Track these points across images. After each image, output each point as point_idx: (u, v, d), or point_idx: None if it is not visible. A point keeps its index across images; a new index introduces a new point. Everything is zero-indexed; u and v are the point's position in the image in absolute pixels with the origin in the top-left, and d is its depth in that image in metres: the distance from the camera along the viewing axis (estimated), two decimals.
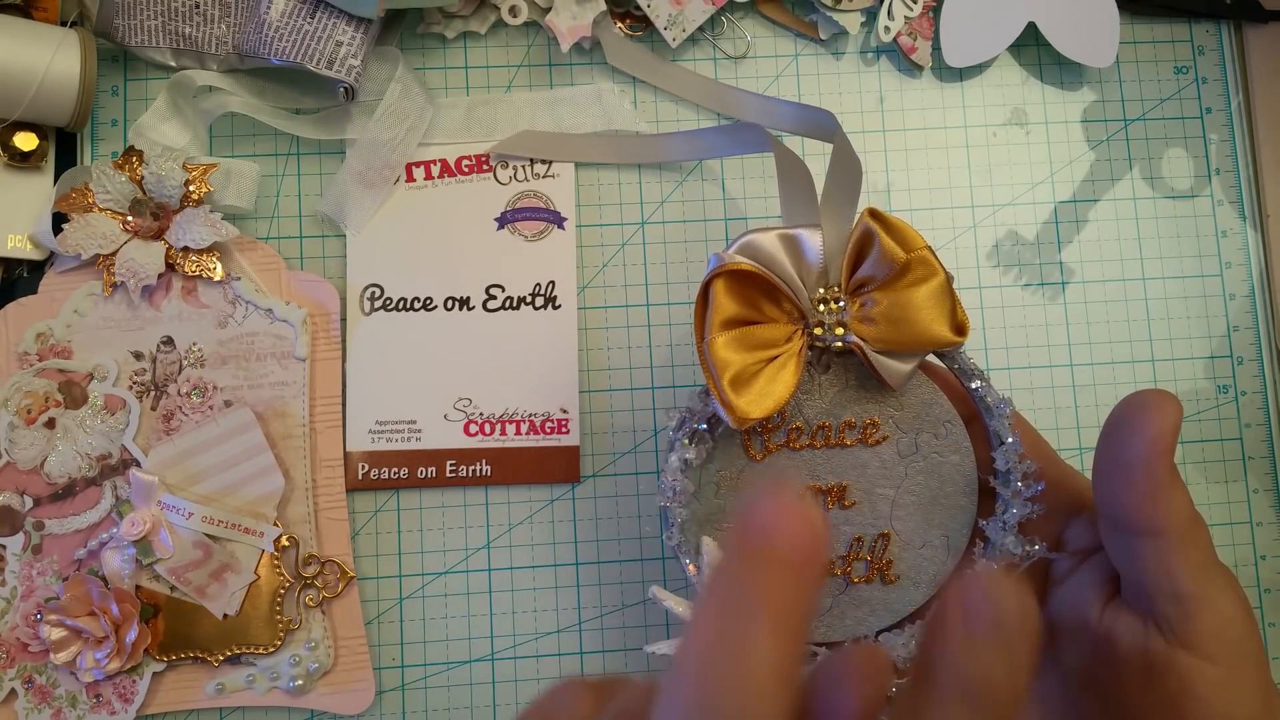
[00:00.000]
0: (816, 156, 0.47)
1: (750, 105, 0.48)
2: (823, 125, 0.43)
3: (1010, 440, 0.35)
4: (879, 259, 0.34)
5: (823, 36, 0.50)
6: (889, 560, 0.37)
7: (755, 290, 0.35)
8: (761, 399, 0.34)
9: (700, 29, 0.49)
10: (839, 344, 0.35)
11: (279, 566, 0.45)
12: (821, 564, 0.20)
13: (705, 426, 0.36)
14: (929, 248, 0.35)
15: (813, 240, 0.35)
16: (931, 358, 0.37)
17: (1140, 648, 0.29)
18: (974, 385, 0.36)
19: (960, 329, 0.35)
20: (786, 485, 0.20)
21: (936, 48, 0.49)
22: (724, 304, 0.34)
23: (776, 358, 0.35)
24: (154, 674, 0.44)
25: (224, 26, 0.46)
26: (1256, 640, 0.29)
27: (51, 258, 0.46)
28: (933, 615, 0.21)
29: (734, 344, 0.34)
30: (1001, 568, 0.23)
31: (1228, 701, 0.28)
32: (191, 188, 0.45)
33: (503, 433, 0.47)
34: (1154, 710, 0.29)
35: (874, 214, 0.35)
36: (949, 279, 0.35)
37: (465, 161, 0.48)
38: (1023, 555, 0.34)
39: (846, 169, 0.38)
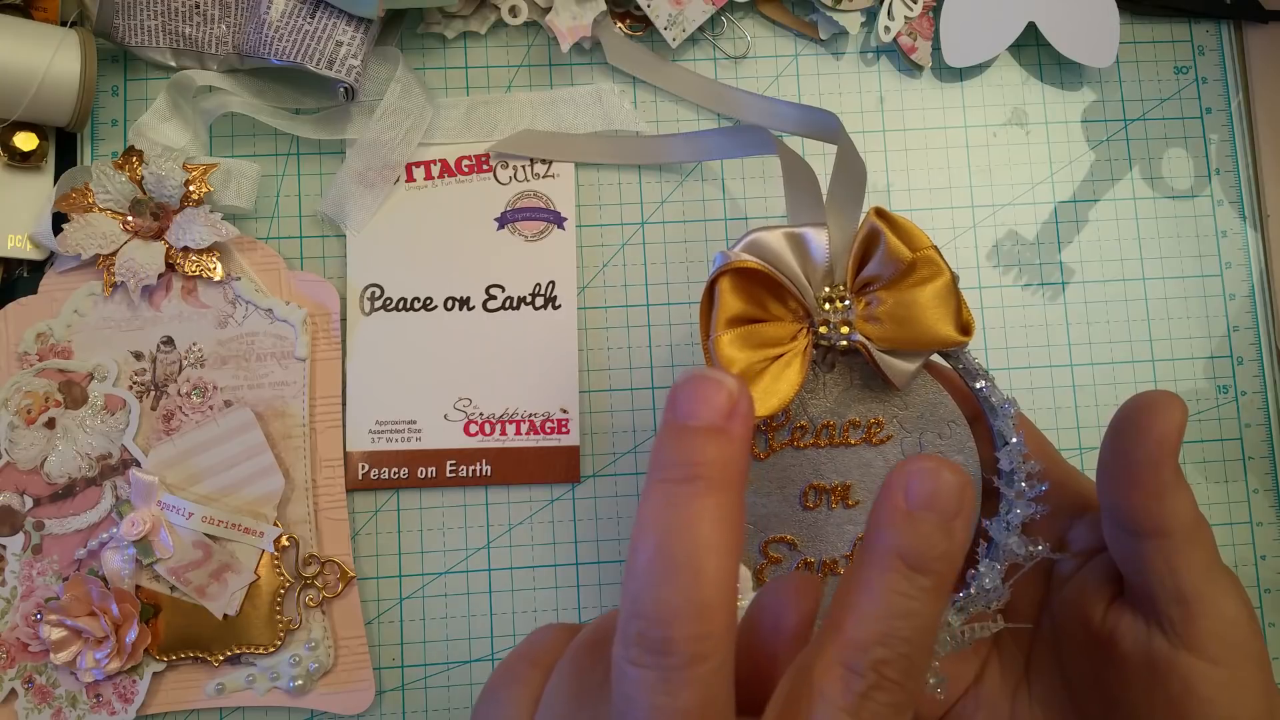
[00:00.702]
0: (817, 156, 0.47)
1: (752, 106, 0.48)
2: (826, 126, 0.43)
3: (1014, 440, 0.35)
4: (885, 258, 0.34)
5: (823, 36, 0.50)
6: None
7: (761, 289, 0.35)
8: (766, 397, 0.34)
9: (700, 29, 0.49)
10: (844, 343, 0.35)
11: (279, 566, 0.45)
12: (745, 421, 0.22)
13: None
14: (935, 247, 0.35)
15: (818, 239, 0.35)
16: (936, 358, 0.37)
17: (1143, 649, 0.29)
18: (978, 385, 0.36)
19: (965, 328, 0.35)
20: (707, 370, 0.22)
21: (936, 48, 0.49)
22: (730, 302, 0.34)
23: (781, 356, 0.35)
24: (154, 674, 0.44)
25: (224, 26, 0.46)
26: (1259, 642, 0.29)
27: (51, 258, 0.46)
28: (875, 501, 0.23)
29: (739, 342, 0.34)
30: (936, 455, 0.24)
31: (1231, 703, 0.28)
32: (191, 188, 0.45)
33: (503, 433, 0.47)
34: (1157, 712, 0.29)
35: (880, 213, 0.35)
36: (954, 278, 0.35)
37: (465, 161, 0.48)
38: (1026, 555, 0.34)
39: (850, 169, 0.38)
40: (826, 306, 0.35)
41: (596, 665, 0.24)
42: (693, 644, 0.20)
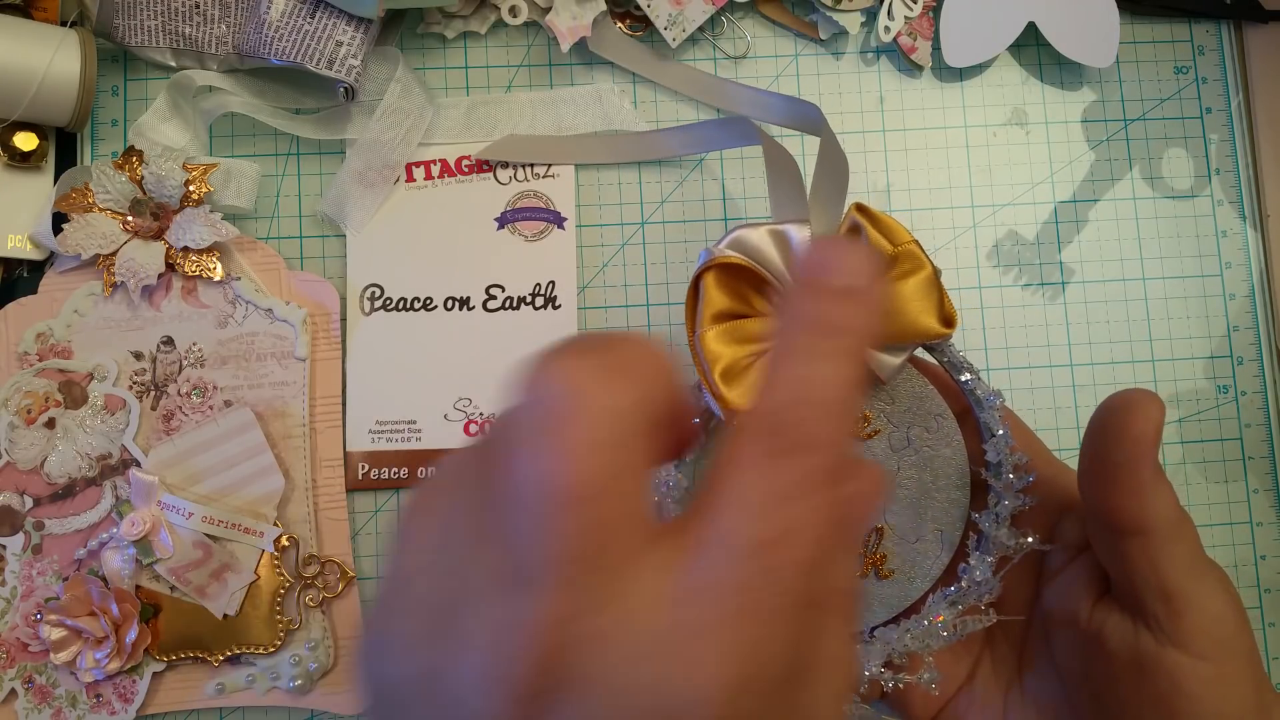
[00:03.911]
0: (813, 157, 0.47)
1: (738, 96, 0.48)
2: (809, 118, 0.43)
3: (1001, 432, 0.35)
4: None
5: (823, 36, 0.50)
6: (883, 555, 0.37)
7: (745, 284, 0.35)
8: (753, 391, 0.34)
9: (700, 29, 0.49)
10: None
11: (279, 566, 0.45)
12: (877, 285, 0.22)
13: (698, 421, 0.36)
14: (916, 241, 0.35)
15: (800, 235, 0.35)
16: (921, 352, 0.37)
17: (1130, 646, 0.29)
18: (964, 379, 0.36)
19: (948, 320, 0.35)
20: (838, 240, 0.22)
21: (936, 48, 0.49)
22: (715, 298, 0.34)
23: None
24: (154, 674, 0.44)
25: (224, 26, 0.47)
26: (1248, 637, 0.29)
27: (51, 258, 0.46)
28: (789, 280, 0.22)
29: (725, 337, 0.34)
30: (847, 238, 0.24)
31: (1219, 699, 0.28)
32: (191, 188, 0.45)
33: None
34: (1146, 708, 0.29)
35: (861, 209, 0.35)
36: (936, 272, 0.35)
37: (465, 161, 0.48)
38: (1016, 547, 0.35)
39: (833, 163, 0.38)
40: None
41: (484, 467, 0.21)
42: (589, 393, 0.19)
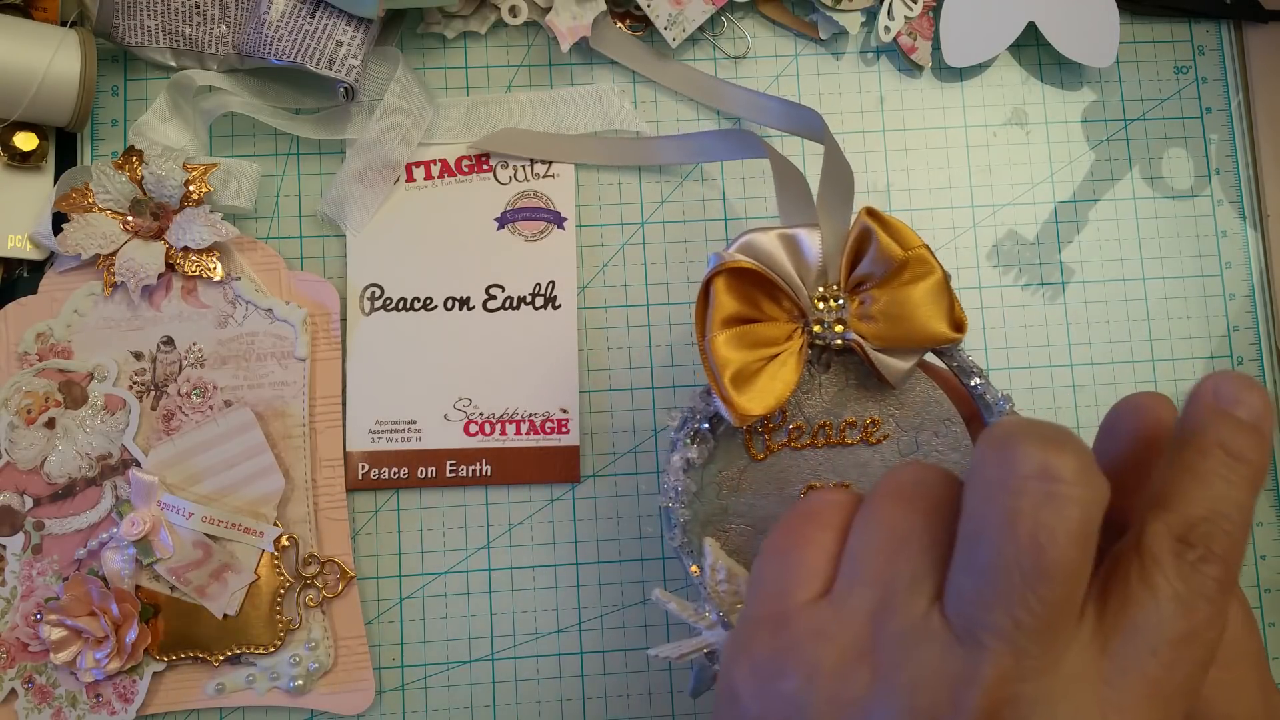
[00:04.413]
0: (815, 157, 0.47)
1: (738, 99, 0.48)
2: (810, 125, 0.43)
3: None
4: (877, 257, 0.35)
5: (823, 36, 0.50)
6: None
7: (755, 289, 0.35)
8: (763, 396, 0.34)
9: (700, 29, 0.49)
10: (838, 341, 0.35)
11: (279, 566, 0.45)
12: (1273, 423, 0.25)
13: (707, 426, 0.36)
14: (926, 246, 0.35)
15: (811, 240, 0.35)
16: (930, 356, 0.37)
17: None
18: (973, 383, 0.36)
19: (959, 325, 0.35)
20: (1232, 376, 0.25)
21: (936, 48, 0.49)
22: (724, 302, 0.34)
23: (777, 355, 0.35)
24: (154, 674, 0.44)
25: (224, 26, 0.47)
26: (1255, 639, 0.29)
27: (51, 258, 0.46)
28: (1186, 405, 0.25)
29: (735, 342, 0.34)
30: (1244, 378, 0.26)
31: (1227, 701, 0.28)
32: (191, 188, 0.45)
33: (503, 433, 0.47)
34: None
35: (871, 213, 0.35)
36: (946, 277, 0.35)
37: (465, 161, 0.48)
38: None
39: (838, 169, 0.38)
40: (820, 306, 0.35)
41: (910, 513, 0.25)
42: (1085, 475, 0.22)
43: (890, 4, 0.49)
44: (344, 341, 0.47)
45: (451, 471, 0.46)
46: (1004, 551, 0.22)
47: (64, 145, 0.47)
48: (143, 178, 0.44)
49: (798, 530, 0.27)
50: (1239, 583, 0.30)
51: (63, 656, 0.43)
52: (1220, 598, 0.23)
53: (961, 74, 0.50)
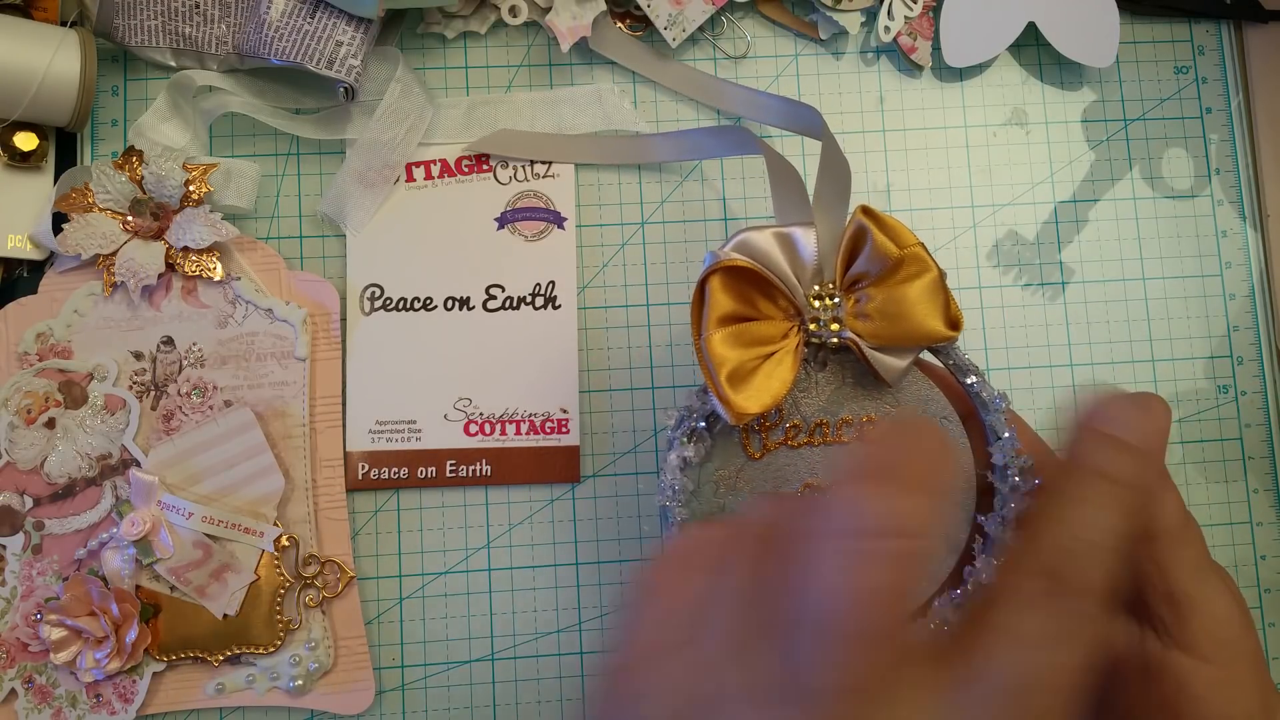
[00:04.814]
0: (815, 157, 0.47)
1: (738, 98, 0.48)
2: (808, 122, 0.43)
3: (1006, 435, 0.35)
4: (872, 255, 0.35)
5: (823, 36, 0.50)
6: None
7: (751, 287, 0.35)
8: (759, 394, 0.34)
9: (700, 29, 0.49)
10: (834, 340, 0.35)
11: (279, 566, 0.45)
12: (1162, 443, 0.24)
13: (704, 424, 0.36)
14: (921, 244, 0.35)
15: (807, 238, 0.35)
16: (927, 355, 0.37)
17: (1136, 649, 0.29)
18: (969, 381, 0.36)
19: (954, 323, 0.35)
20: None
21: (936, 48, 0.49)
22: (720, 301, 0.34)
23: (773, 354, 0.35)
24: (154, 674, 0.44)
25: (224, 26, 0.47)
26: (1253, 639, 0.29)
27: (51, 258, 0.46)
28: (1075, 423, 0.24)
29: (731, 340, 0.34)
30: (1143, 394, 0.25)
31: (1225, 701, 0.28)
32: (191, 188, 0.45)
33: (503, 433, 0.47)
34: (1151, 711, 0.29)
35: (867, 211, 0.35)
36: (942, 274, 0.35)
37: (465, 161, 0.48)
38: None
39: (835, 167, 0.38)
40: (816, 304, 0.35)
41: (767, 559, 0.23)
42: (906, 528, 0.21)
43: (890, 4, 0.49)
44: (344, 341, 0.47)
45: (451, 471, 0.46)
46: (815, 611, 0.21)
47: (64, 145, 0.47)
48: (143, 178, 0.45)
49: (660, 574, 0.25)
50: (1233, 582, 0.30)
51: (63, 656, 0.43)
52: (1080, 629, 0.21)
53: (961, 74, 0.50)
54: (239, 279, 0.46)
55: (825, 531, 0.21)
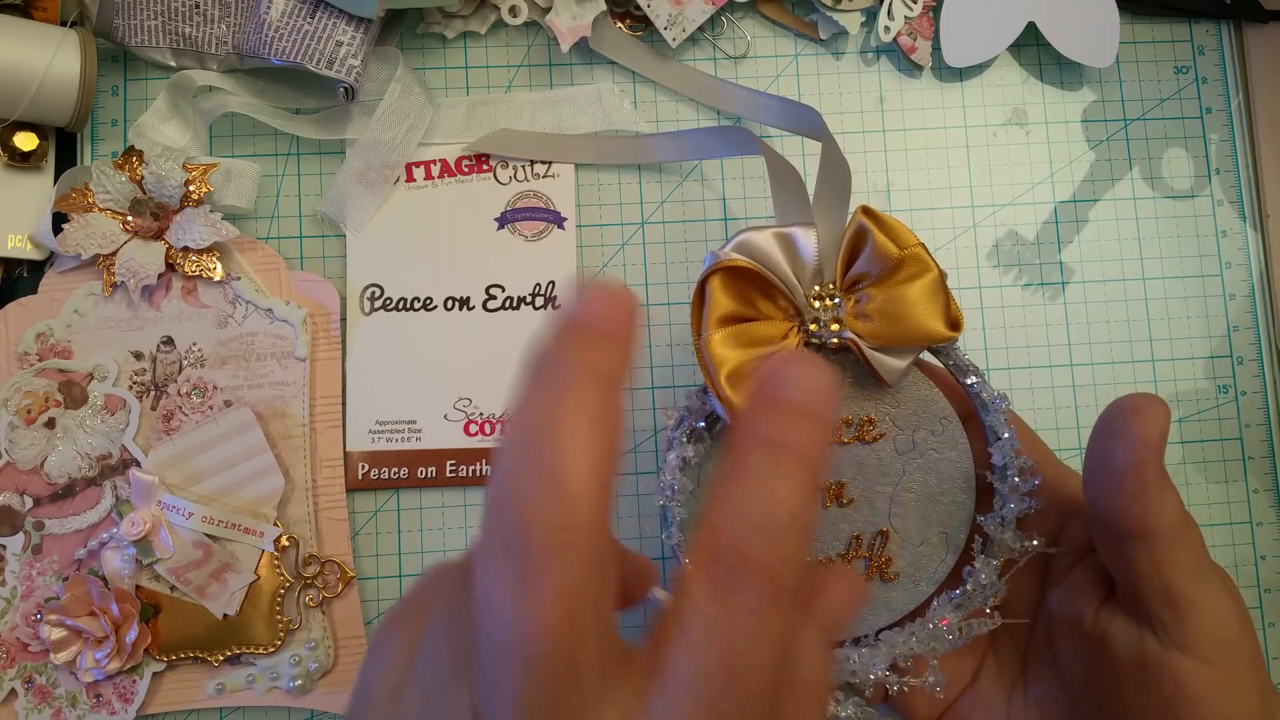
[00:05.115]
0: (815, 158, 0.47)
1: (738, 98, 0.48)
2: (809, 123, 0.43)
3: (1006, 435, 0.35)
4: (873, 256, 0.35)
5: (823, 36, 0.50)
6: (888, 558, 0.37)
7: (751, 287, 0.35)
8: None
9: (700, 29, 0.49)
10: (834, 340, 0.35)
11: (279, 566, 0.45)
12: (629, 330, 0.21)
13: (703, 424, 0.36)
14: (922, 244, 0.35)
15: (807, 238, 0.35)
16: (927, 355, 0.37)
17: (1135, 650, 0.29)
18: (969, 381, 0.36)
19: (954, 324, 0.35)
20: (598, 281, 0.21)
21: (936, 48, 0.49)
22: (720, 301, 0.34)
23: (773, 354, 0.35)
24: (154, 674, 0.44)
25: (224, 26, 0.47)
26: (1252, 640, 0.29)
27: (51, 258, 0.46)
28: (749, 394, 0.21)
29: (730, 340, 0.34)
30: (807, 352, 0.23)
31: (1224, 702, 0.28)
32: (191, 188, 0.45)
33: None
34: (1151, 712, 0.29)
35: (867, 211, 0.35)
36: (942, 275, 0.35)
37: (465, 161, 0.48)
38: (1021, 550, 0.35)
39: (835, 167, 0.38)
40: (816, 304, 0.35)
41: (464, 594, 0.21)
42: (550, 534, 0.19)
43: (890, 4, 0.49)
44: (344, 341, 0.47)
45: (451, 471, 0.46)
46: (483, 644, 0.19)
47: (64, 145, 0.47)
48: (143, 178, 0.45)
49: (398, 616, 0.24)
50: (1232, 583, 0.30)
51: (63, 656, 0.43)
52: (768, 613, 0.19)
53: (961, 74, 0.50)
54: (239, 279, 0.46)
55: (487, 553, 0.19)
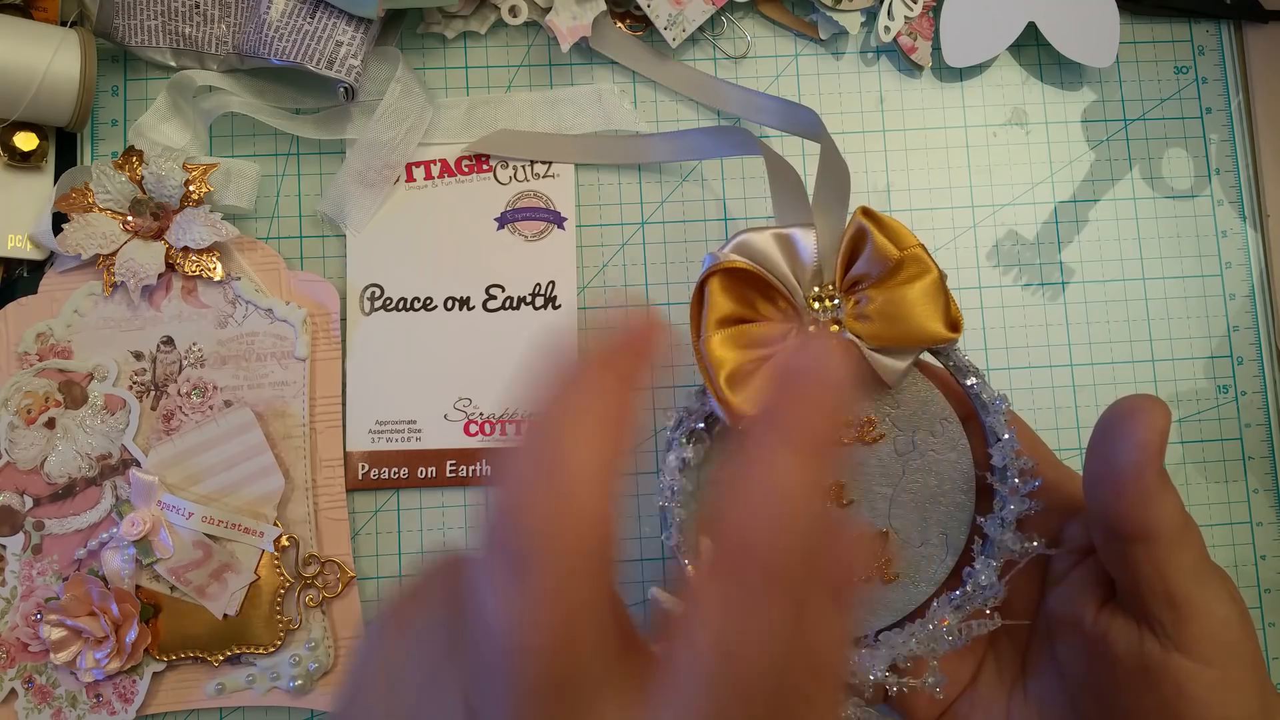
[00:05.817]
0: (815, 159, 0.47)
1: (738, 98, 0.48)
2: (807, 124, 0.43)
3: (1006, 436, 0.35)
4: (872, 257, 0.35)
5: (823, 36, 0.50)
6: (887, 559, 0.37)
7: (750, 289, 0.35)
8: (758, 396, 0.34)
9: (700, 29, 0.49)
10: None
11: (279, 566, 0.45)
12: (653, 350, 0.22)
13: (703, 425, 0.36)
14: (921, 245, 0.35)
15: (806, 239, 0.35)
16: (927, 356, 0.37)
17: (1135, 651, 0.29)
18: (969, 382, 0.36)
19: (954, 325, 0.35)
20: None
21: (936, 48, 0.49)
22: (719, 302, 0.34)
23: (773, 356, 0.35)
24: (154, 674, 0.44)
25: (224, 26, 0.47)
26: (1252, 642, 0.29)
27: (51, 258, 0.46)
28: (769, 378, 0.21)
29: (730, 342, 0.34)
30: (828, 337, 0.22)
31: (1224, 704, 0.28)
32: (191, 188, 0.45)
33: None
34: (1151, 713, 0.29)
35: (867, 212, 0.35)
36: (942, 276, 0.35)
37: (465, 161, 0.48)
38: (1021, 551, 0.35)
39: (835, 169, 0.38)
40: (816, 306, 0.35)
41: (461, 587, 0.21)
42: (550, 533, 0.19)
43: (890, 4, 0.49)
44: (344, 341, 0.47)
45: (451, 471, 0.46)
46: (478, 638, 0.19)
47: (64, 145, 0.47)
48: (143, 178, 0.45)
49: (391, 607, 0.24)
50: (1233, 584, 0.30)
51: (63, 656, 0.43)
52: (772, 603, 0.19)
53: (961, 74, 0.50)
54: (239, 279, 0.46)
55: (486, 551, 0.19)
